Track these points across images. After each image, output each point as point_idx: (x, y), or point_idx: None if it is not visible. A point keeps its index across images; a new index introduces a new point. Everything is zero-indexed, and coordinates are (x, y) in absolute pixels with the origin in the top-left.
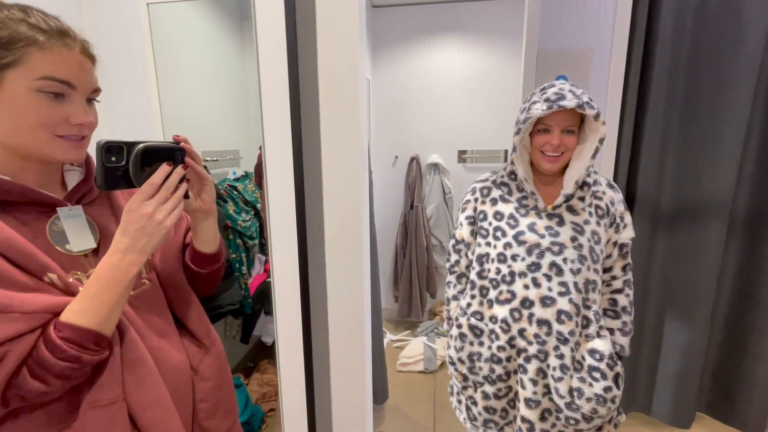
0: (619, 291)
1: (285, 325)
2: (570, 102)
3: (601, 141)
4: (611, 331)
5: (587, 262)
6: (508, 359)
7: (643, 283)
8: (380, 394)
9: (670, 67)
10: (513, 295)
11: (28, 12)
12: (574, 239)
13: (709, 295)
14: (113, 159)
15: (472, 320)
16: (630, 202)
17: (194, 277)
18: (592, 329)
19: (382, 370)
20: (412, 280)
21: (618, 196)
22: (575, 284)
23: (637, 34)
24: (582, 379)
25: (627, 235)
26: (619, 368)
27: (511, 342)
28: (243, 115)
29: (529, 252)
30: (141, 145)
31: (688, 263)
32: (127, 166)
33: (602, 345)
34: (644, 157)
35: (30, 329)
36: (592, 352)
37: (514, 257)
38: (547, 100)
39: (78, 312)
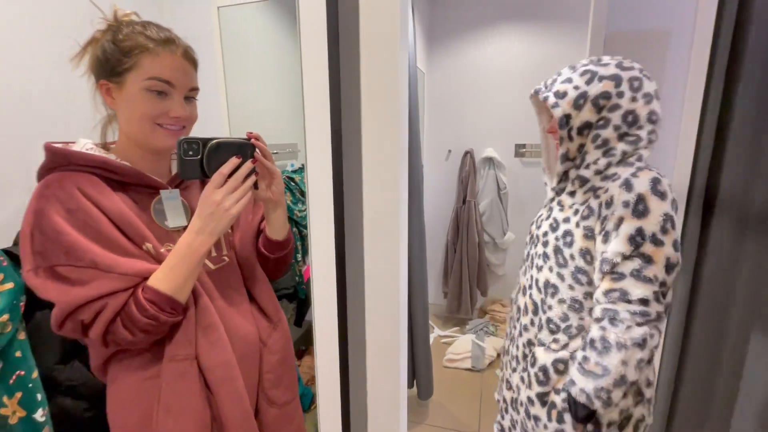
0: (597, 320)
1: (321, 312)
2: (538, 90)
3: (560, 127)
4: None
5: (549, 261)
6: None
7: (726, 294)
8: (425, 389)
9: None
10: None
11: (146, 26)
12: (545, 234)
13: None
14: (190, 153)
15: None
16: (710, 201)
17: (265, 262)
18: (543, 336)
19: (427, 366)
20: (462, 276)
21: (623, 197)
22: (536, 281)
23: (727, 11)
24: (522, 378)
25: (612, 248)
26: (558, 399)
27: (509, 324)
28: (301, 110)
29: (528, 242)
30: (214, 141)
31: None
32: (202, 158)
33: (540, 352)
34: (731, 151)
35: (125, 288)
36: (532, 355)
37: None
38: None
39: (160, 279)
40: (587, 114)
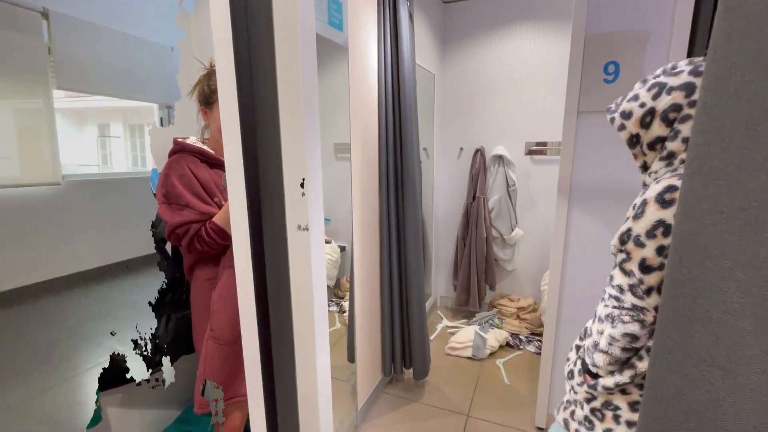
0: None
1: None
2: (608, 109)
3: (631, 147)
4: None
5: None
6: None
7: None
8: (420, 370)
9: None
10: None
11: None
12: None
13: None
14: None
15: None
16: None
17: None
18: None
19: (422, 350)
20: (470, 270)
21: (637, 200)
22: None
23: (704, 11)
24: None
25: (612, 241)
26: (573, 355)
27: None
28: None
29: None
30: None
31: None
32: None
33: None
34: None
35: (201, 220)
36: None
37: None
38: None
39: (218, 218)
40: (657, 130)
